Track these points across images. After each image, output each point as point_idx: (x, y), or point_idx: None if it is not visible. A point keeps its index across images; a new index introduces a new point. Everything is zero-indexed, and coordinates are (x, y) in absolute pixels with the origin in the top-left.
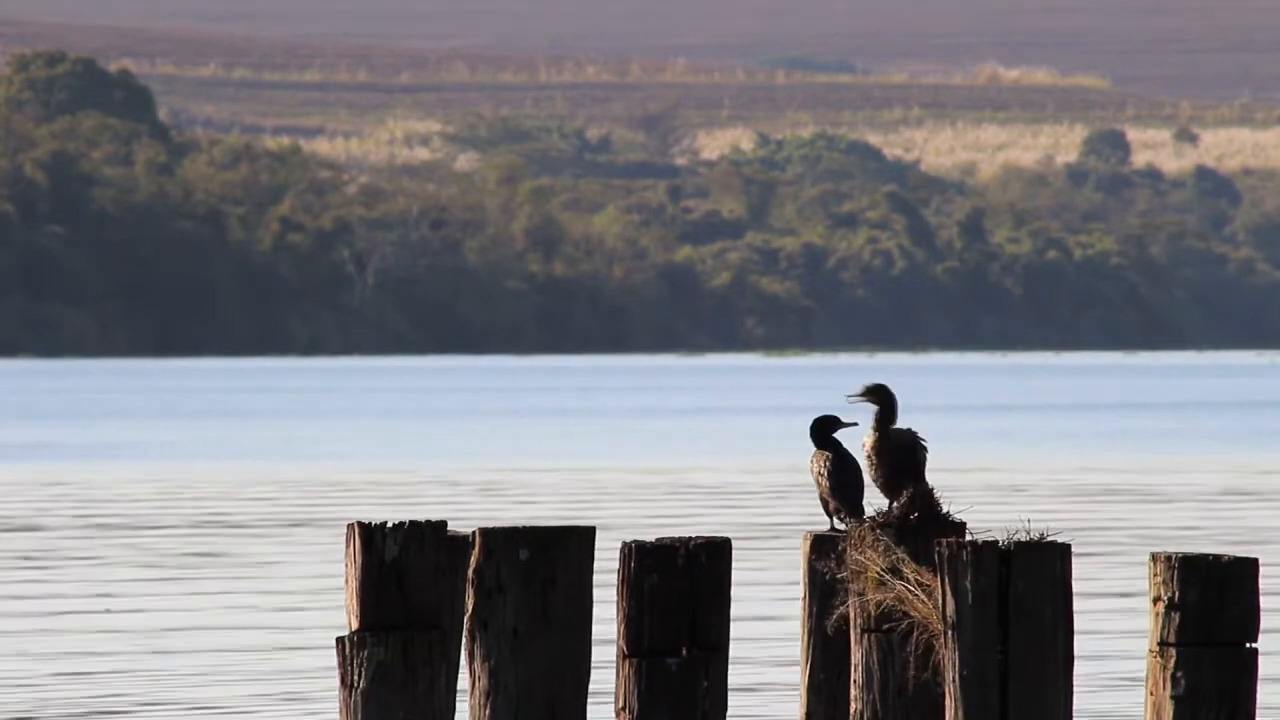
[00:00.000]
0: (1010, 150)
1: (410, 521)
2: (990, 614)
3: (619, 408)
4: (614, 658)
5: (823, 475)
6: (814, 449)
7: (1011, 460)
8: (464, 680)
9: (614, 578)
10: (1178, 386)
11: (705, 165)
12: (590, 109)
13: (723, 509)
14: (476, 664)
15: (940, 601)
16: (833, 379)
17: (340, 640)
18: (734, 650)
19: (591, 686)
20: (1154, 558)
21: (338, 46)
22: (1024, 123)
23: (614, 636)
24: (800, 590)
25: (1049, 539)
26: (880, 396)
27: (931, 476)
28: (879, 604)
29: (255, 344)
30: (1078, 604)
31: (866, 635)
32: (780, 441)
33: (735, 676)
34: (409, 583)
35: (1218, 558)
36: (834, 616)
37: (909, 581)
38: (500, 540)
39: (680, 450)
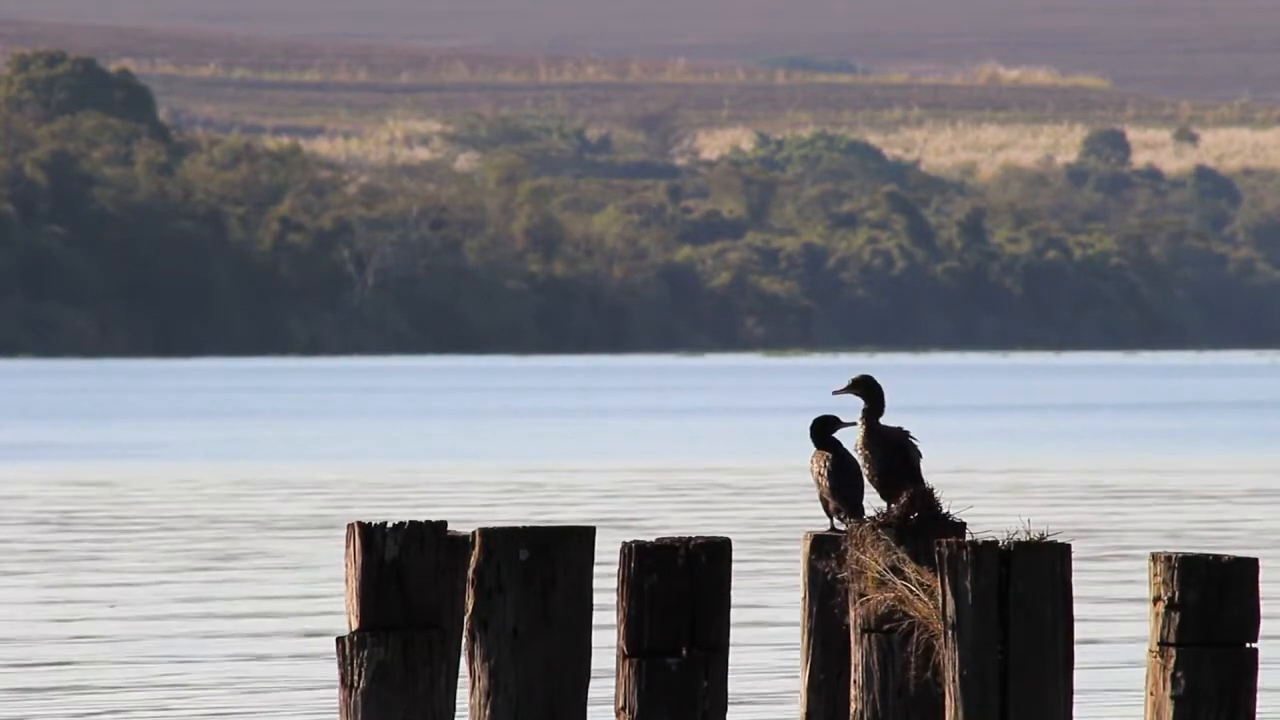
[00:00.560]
0: (1010, 150)
1: (410, 521)
2: (990, 614)
3: (619, 408)
4: (614, 658)
5: (823, 475)
6: (814, 449)
7: (1011, 460)
8: (464, 680)
9: (614, 578)
10: (1178, 386)
11: (705, 165)
12: (590, 109)
13: (723, 509)
14: (476, 664)
15: (940, 601)
16: (833, 379)
17: (340, 640)
18: (734, 650)
19: (591, 686)
20: (1154, 558)
21: (338, 46)
22: (1024, 123)
23: (614, 636)
24: (800, 590)
25: (1049, 539)
26: (865, 388)
27: (930, 477)
28: (879, 604)
29: (255, 344)
30: (1078, 604)
31: (866, 635)
32: (780, 441)
33: (735, 676)
34: (409, 583)
35: (1218, 558)
36: (850, 617)
37: (909, 581)
38: (500, 540)
39: (680, 450)
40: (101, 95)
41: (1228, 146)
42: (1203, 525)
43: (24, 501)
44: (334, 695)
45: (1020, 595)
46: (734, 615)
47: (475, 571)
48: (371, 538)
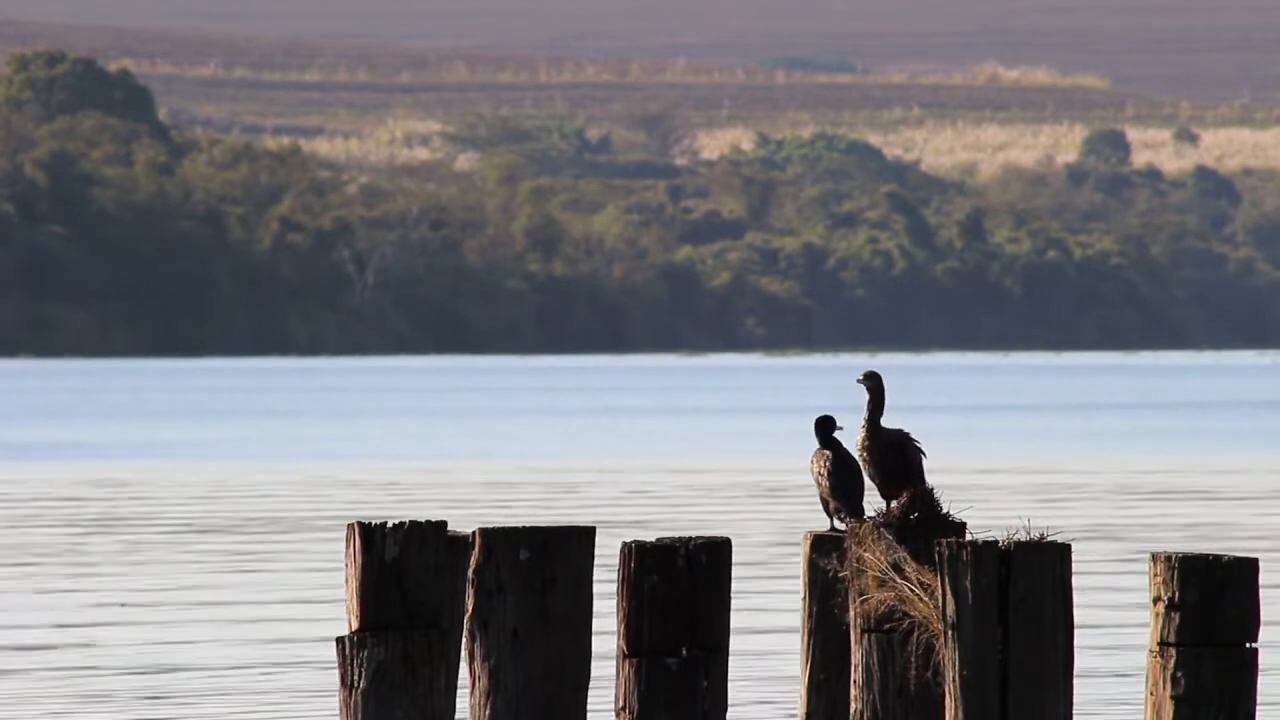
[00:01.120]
0: (1010, 150)
1: (410, 521)
2: (990, 614)
3: (619, 408)
4: (614, 658)
5: (823, 475)
6: (815, 448)
7: (1012, 460)
8: (464, 680)
9: (614, 578)
10: (1178, 386)
11: (705, 165)
12: (590, 109)
13: (723, 509)
14: (476, 664)
15: (940, 601)
16: (833, 379)
17: (340, 640)
18: (734, 650)
19: (591, 686)
20: (1154, 558)
21: (338, 46)
22: (1024, 123)
23: (614, 636)
24: (800, 590)
25: (1049, 539)
26: (873, 384)
27: (931, 477)
28: (880, 603)
29: (255, 344)
30: (1078, 604)
31: (866, 635)
32: (780, 441)
33: (735, 676)
34: (409, 583)
35: (1218, 558)
36: (850, 617)
37: (910, 581)
38: (500, 540)
39: (680, 450)
40: (101, 95)
41: (1228, 146)
42: (1203, 525)
43: (29, 501)
44: (334, 695)
45: (1020, 595)
46: (734, 615)
47: (475, 571)
48: (371, 538)
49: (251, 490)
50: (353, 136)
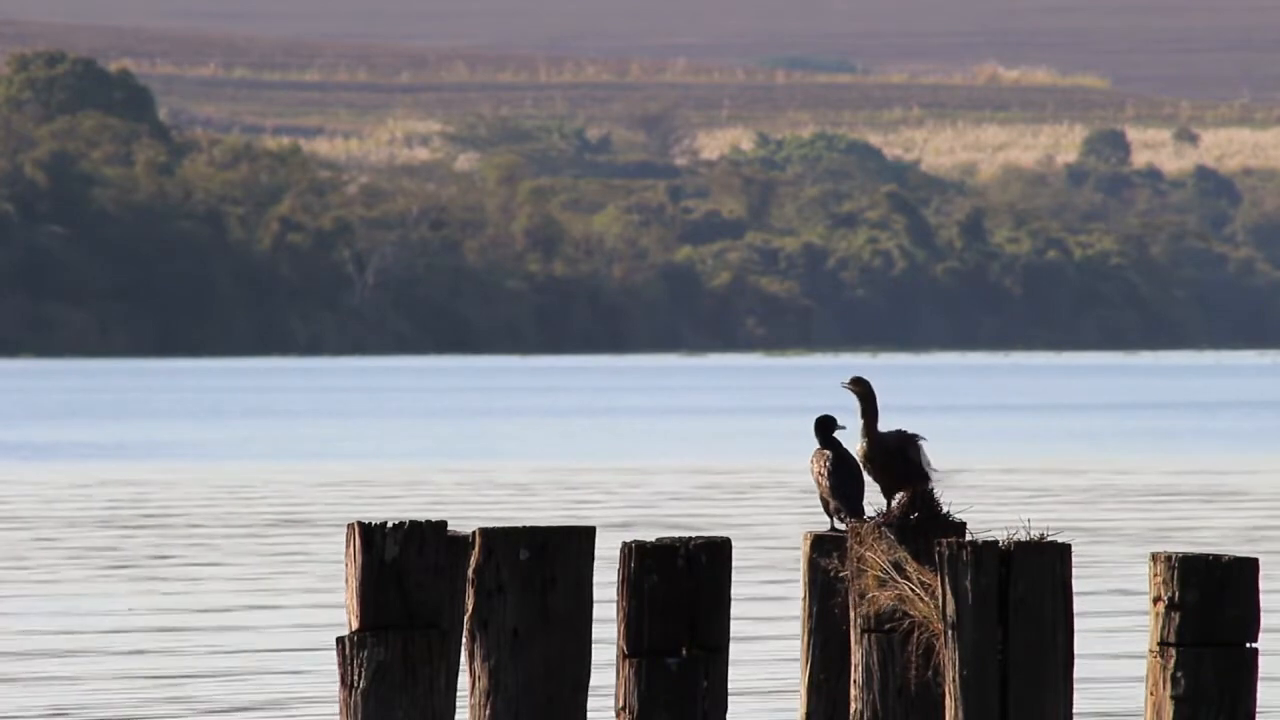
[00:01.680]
0: (1010, 150)
1: (410, 521)
2: (990, 614)
3: (619, 408)
4: (614, 658)
5: (823, 475)
6: (815, 448)
7: (1012, 460)
8: (464, 680)
9: (614, 578)
10: (1178, 386)
11: (705, 165)
12: (590, 109)
13: (723, 509)
14: (476, 664)
15: (940, 601)
16: (833, 379)
17: (340, 640)
18: (734, 650)
19: (591, 686)
20: (1154, 558)
21: (338, 46)
22: (1024, 123)
23: (614, 636)
24: (800, 590)
25: (1049, 539)
26: (862, 389)
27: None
28: (880, 604)
29: (255, 344)
30: (1078, 604)
31: (866, 635)
32: (780, 441)
33: (735, 676)
34: (409, 583)
35: (1218, 558)
36: (851, 617)
37: (911, 581)
38: (500, 540)
39: (680, 450)
40: (101, 95)
41: (1228, 146)
42: (1203, 525)
43: (31, 501)
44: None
45: (1020, 595)
46: (734, 615)
47: (475, 571)
48: (371, 538)
49: (250, 490)
50: (353, 136)
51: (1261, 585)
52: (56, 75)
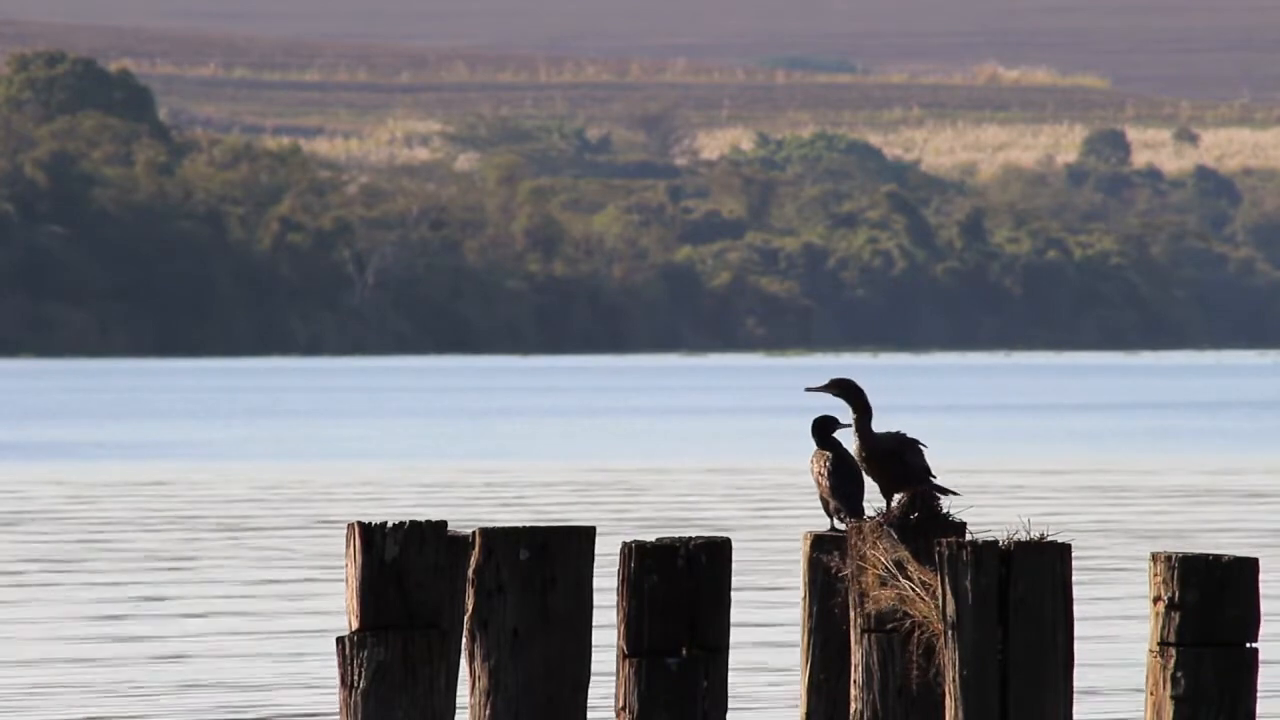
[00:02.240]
0: (1010, 150)
1: (410, 521)
2: (990, 614)
3: (619, 408)
4: (614, 658)
5: (823, 475)
6: (814, 449)
7: (1011, 460)
8: (464, 680)
9: (614, 578)
10: (1178, 386)
11: (705, 165)
12: (590, 109)
13: (723, 509)
14: (476, 664)
15: (940, 601)
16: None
17: (340, 640)
18: (734, 650)
19: (591, 686)
20: (1154, 558)
21: (338, 46)
22: (1024, 123)
23: (614, 636)
24: (800, 590)
25: (1049, 539)
26: (845, 391)
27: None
28: (880, 604)
29: (255, 344)
30: (1078, 604)
31: (866, 635)
32: (780, 441)
33: (735, 676)
34: (409, 583)
35: (1218, 558)
36: (851, 617)
37: (911, 581)
38: (500, 540)
39: (680, 450)
40: (101, 95)
41: (1228, 146)
42: (1203, 525)
43: (34, 501)
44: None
45: (1020, 595)
46: (734, 615)
47: (475, 571)
48: (371, 537)
49: (250, 490)
50: (353, 136)
51: (1261, 585)
52: (56, 75)
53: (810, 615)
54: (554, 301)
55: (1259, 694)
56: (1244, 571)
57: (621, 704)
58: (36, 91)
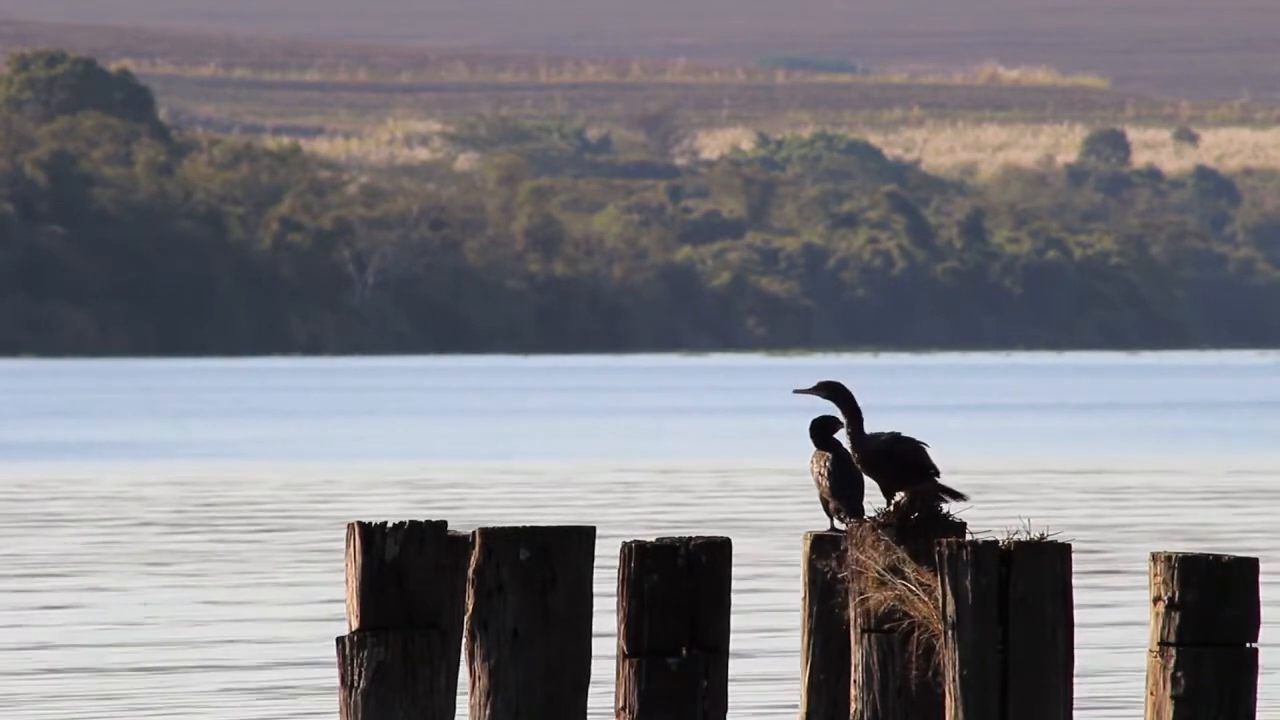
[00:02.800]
0: (1010, 150)
1: (410, 521)
2: (990, 614)
3: (619, 408)
4: (614, 658)
5: (823, 475)
6: (814, 449)
7: (1012, 460)
8: (464, 680)
9: (614, 578)
10: (1178, 386)
11: (705, 165)
12: (590, 109)
13: (723, 509)
14: (476, 664)
15: (940, 601)
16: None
17: (340, 640)
18: (734, 650)
19: (591, 686)
20: (1154, 557)
21: (338, 46)
22: (1024, 123)
23: (614, 636)
24: (800, 590)
25: (1049, 539)
26: (835, 394)
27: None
28: (879, 604)
29: (255, 344)
30: (1078, 604)
31: (866, 635)
32: (780, 441)
33: (735, 676)
34: (409, 583)
35: (1218, 558)
36: (850, 617)
37: (910, 581)
38: (500, 540)
39: (680, 450)
40: (101, 95)
41: (1228, 146)
42: (1203, 525)
43: (31, 502)
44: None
45: (1020, 595)
46: (734, 615)
47: (475, 571)
48: (371, 538)
49: (250, 490)
50: (353, 136)
51: (1261, 585)
52: (56, 75)
53: (810, 615)
54: (554, 301)
55: (1259, 694)
56: (1244, 571)
57: (621, 704)
58: (36, 91)
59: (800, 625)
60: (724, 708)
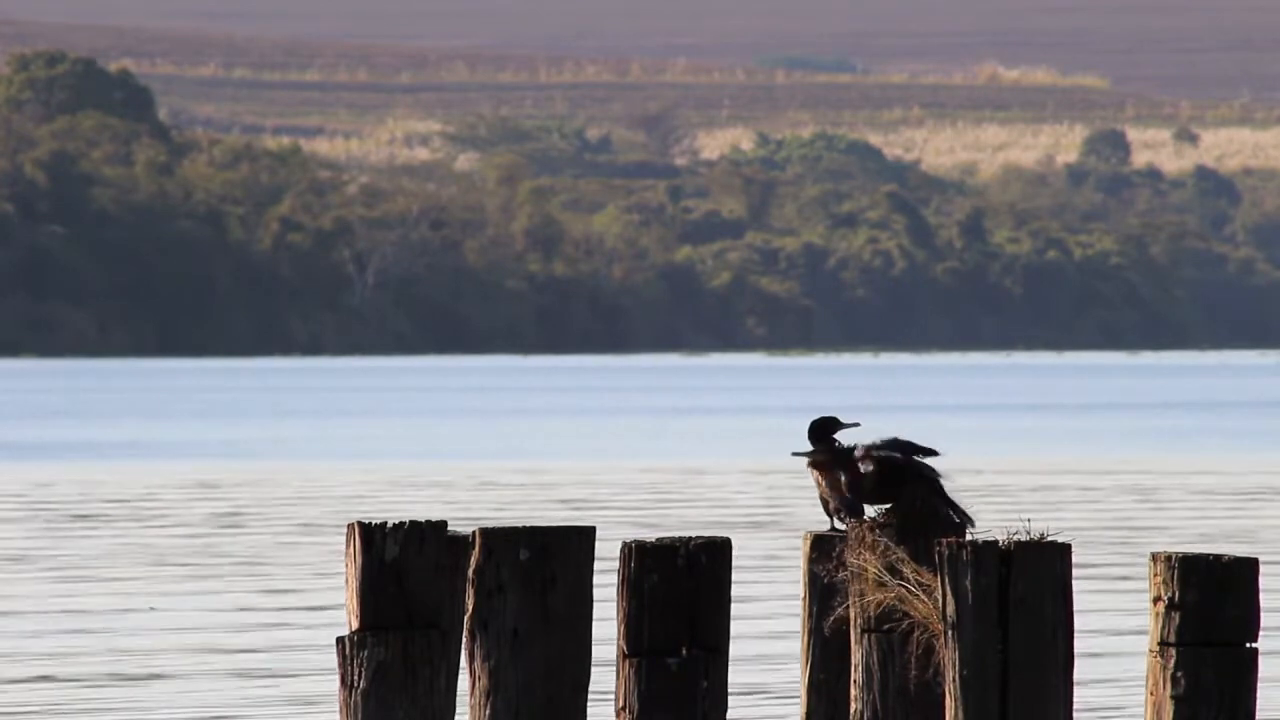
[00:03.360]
0: (1010, 150)
1: (410, 521)
2: (990, 614)
3: (619, 408)
4: (614, 658)
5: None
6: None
7: (1011, 460)
8: (464, 680)
9: (614, 578)
10: (1178, 386)
11: (705, 165)
12: (590, 109)
13: (723, 509)
14: (476, 664)
15: (940, 601)
16: (833, 379)
17: (340, 640)
18: (734, 650)
19: (591, 686)
20: (1154, 557)
21: (338, 46)
22: (1024, 123)
23: (614, 636)
24: (800, 590)
25: (1049, 539)
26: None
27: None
28: (879, 604)
29: (255, 344)
30: (1078, 604)
31: (866, 635)
32: (780, 441)
33: (735, 676)
34: (409, 583)
35: (1218, 558)
36: (831, 619)
37: (909, 581)
38: (500, 540)
39: (680, 450)
40: (101, 95)
41: (1228, 146)
42: (1204, 525)
43: (30, 501)
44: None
45: (1020, 595)
46: (734, 615)
47: (475, 571)
48: (371, 538)
49: (250, 490)
50: (353, 136)
51: (1261, 585)
52: (56, 75)
53: (810, 615)
54: (554, 301)
55: (1259, 694)
56: (1244, 571)
57: (621, 704)
58: (36, 91)
59: (800, 625)
60: (724, 708)
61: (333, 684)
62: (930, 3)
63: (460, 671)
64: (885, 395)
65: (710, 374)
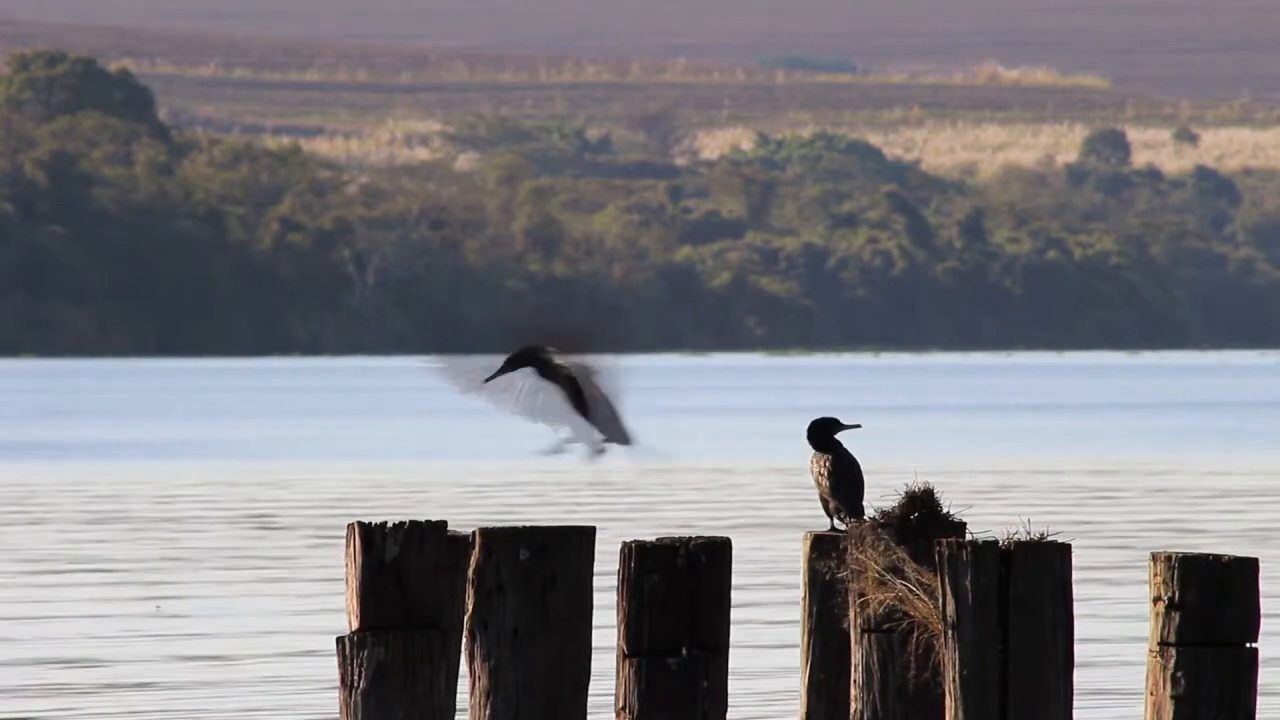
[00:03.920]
0: (1010, 150)
1: (410, 521)
2: (990, 614)
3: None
4: (614, 658)
5: (823, 475)
6: (814, 451)
7: (1012, 460)
8: (464, 680)
9: (614, 578)
10: (1178, 386)
11: (705, 165)
12: (590, 109)
13: (723, 509)
14: (476, 664)
15: (940, 601)
16: (833, 379)
17: (340, 640)
18: (734, 650)
19: (591, 686)
20: (1154, 557)
21: (338, 46)
22: (1024, 123)
23: (614, 636)
24: (800, 590)
25: (1049, 539)
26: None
27: (931, 477)
28: (879, 604)
29: (255, 344)
30: (1078, 604)
31: (866, 635)
32: (780, 441)
33: (735, 676)
34: (409, 583)
35: (1218, 558)
36: (850, 617)
37: (909, 581)
38: (500, 540)
39: (680, 450)
40: (101, 95)
41: (1228, 146)
42: (1204, 525)
43: (32, 502)
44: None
45: (1020, 595)
46: (734, 615)
47: (475, 572)
48: (371, 538)
49: (250, 490)
50: (353, 136)
51: (1261, 585)
52: (56, 75)
53: (810, 615)
54: (554, 301)
55: (1259, 694)
56: (1244, 571)
57: (621, 704)
58: (36, 91)
59: (800, 625)
60: (724, 708)
61: (330, 685)
62: (930, 3)
63: (460, 671)
64: (885, 395)
65: (710, 374)
